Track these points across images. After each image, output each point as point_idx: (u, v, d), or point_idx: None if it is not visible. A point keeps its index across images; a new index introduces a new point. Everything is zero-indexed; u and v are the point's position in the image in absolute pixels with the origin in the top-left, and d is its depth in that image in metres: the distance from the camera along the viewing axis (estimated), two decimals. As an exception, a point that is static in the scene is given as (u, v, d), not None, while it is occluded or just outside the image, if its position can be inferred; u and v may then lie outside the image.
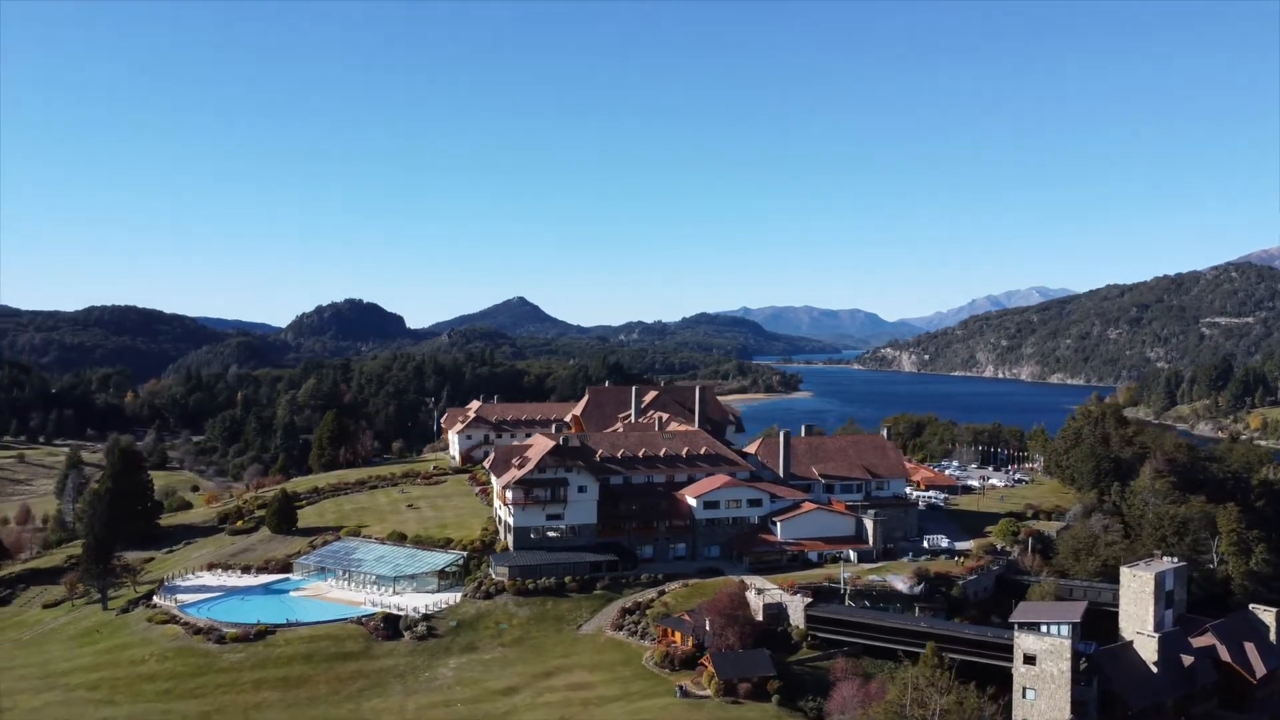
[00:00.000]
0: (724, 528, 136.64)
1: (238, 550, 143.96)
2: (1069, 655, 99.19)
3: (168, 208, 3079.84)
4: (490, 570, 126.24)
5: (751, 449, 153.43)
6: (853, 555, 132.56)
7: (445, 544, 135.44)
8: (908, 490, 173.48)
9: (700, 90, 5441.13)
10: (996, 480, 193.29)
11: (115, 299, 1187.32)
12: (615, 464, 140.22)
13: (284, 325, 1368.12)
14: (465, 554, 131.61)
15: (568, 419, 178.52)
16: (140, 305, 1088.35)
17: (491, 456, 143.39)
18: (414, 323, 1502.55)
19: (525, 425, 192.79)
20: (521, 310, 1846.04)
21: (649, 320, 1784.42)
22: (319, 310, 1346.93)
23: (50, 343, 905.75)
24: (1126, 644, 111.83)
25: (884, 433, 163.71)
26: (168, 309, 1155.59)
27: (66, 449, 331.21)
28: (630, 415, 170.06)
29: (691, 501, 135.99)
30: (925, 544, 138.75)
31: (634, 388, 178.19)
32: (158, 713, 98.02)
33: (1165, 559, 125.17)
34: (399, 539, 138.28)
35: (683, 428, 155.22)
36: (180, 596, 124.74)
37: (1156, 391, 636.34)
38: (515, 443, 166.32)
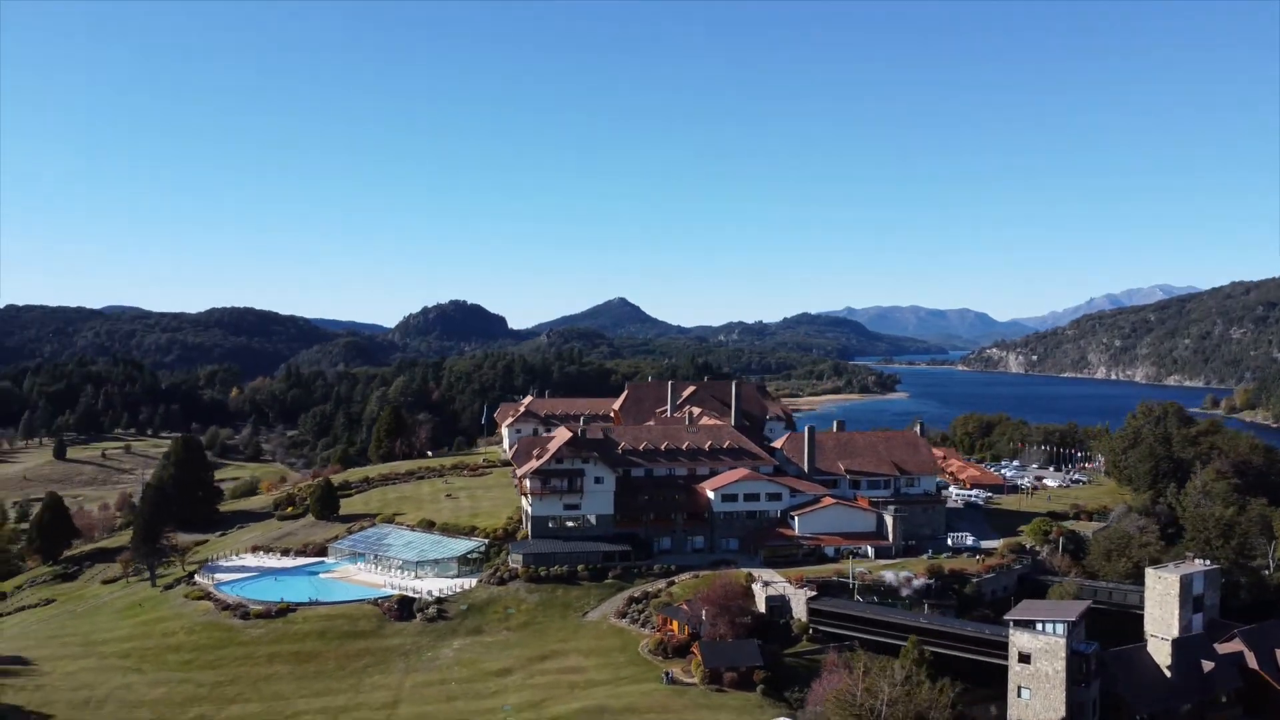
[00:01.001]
0: (741, 521, 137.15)
1: (282, 534, 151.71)
2: (1064, 654, 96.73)
3: (291, 212, 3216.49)
4: (507, 557, 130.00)
5: (778, 444, 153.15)
6: (870, 551, 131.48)
7: (470, 532, 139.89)
8: (951, 489, 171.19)
9: (802, 89, 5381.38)
10: (1051, 480, 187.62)
11: (235, 301, 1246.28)
12: (637, 456, 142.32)
13: (393, 326, 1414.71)
14: (486, 541, 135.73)
15: (609, 413, 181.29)
16: (258, 307, 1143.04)
17: (515, 447, 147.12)
18: (516, 323, 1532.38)
19: (573, 419, 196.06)
20: (622, 311, 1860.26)
21: (749, 321, 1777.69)
22: (424, 311, 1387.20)
23: (174, 342, 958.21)
24: (1139, 646, 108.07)
25: (917, 429, 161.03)
26: (284, 310, 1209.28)
27: (169, 441, 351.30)
28: (667, 410, 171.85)
29: (710, 494, 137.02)
30: (949, 542, 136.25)
31: (670, 383, 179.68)
32: (176, 680, 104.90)
33: (1197, 561, 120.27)
34: (428, 526, 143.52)
35: (712, 422, 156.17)
36: (219, 575, 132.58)
37: (1277, 394, 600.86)
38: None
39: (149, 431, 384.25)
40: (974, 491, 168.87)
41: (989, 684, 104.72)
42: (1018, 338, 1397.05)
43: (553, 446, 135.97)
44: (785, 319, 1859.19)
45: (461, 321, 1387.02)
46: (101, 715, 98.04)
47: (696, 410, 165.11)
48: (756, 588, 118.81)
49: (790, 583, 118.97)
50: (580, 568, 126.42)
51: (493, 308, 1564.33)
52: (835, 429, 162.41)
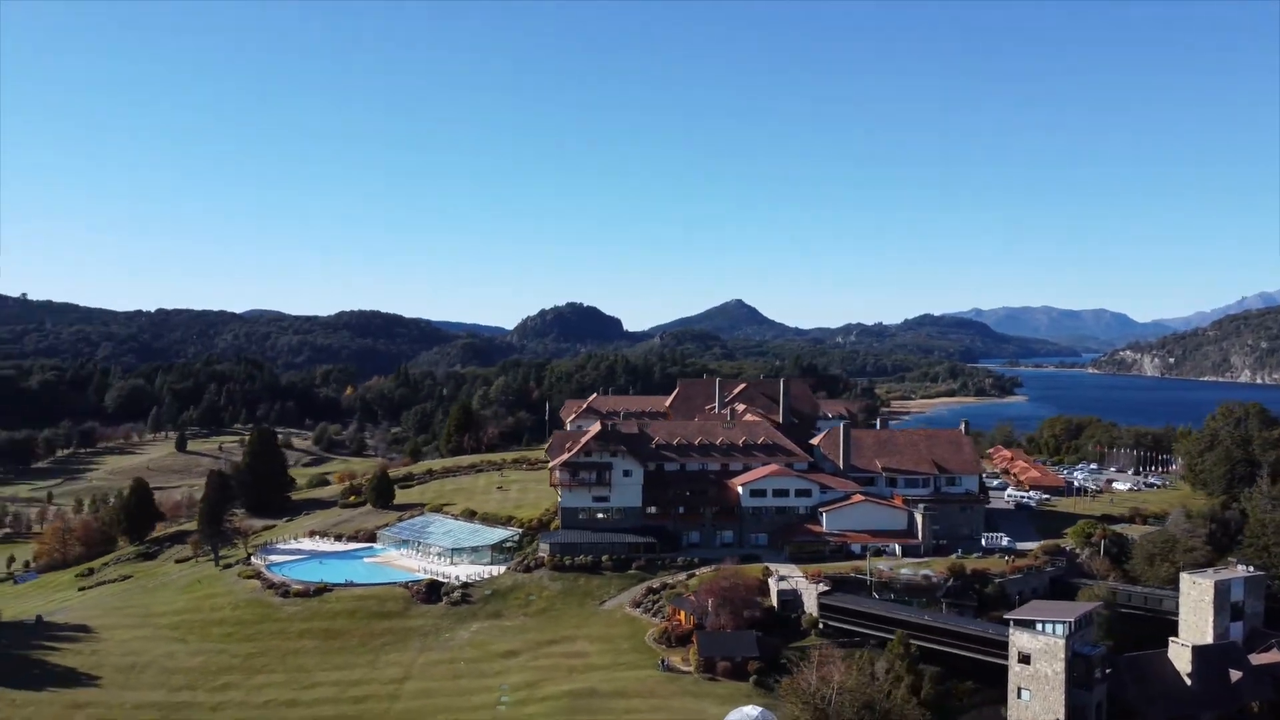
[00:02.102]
0: (771, 516, 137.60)
1: (339, 521, 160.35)
2: (1063, 655, 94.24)
3: (420, 217, 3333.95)
4: (537, 546, 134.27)
5: (816, 441, 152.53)
6: (898, 549, 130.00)
7: (506, 521, 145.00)
8: (1010, 490, 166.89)
9: (924, 86, 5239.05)
10: (1122, 483, 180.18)
11: (364, 304, 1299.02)
12: (670, 451, 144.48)
13: (513, 328, 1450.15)
14: (520, 531, 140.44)
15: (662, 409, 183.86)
16: (384, 310, 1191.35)
17: (550, 441, 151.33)
18: (632, 326, 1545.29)
19: (635, 416, 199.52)
20: (739, 313, 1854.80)
21: (869, 322, 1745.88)
22: (542, 314, 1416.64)
23: (305, 344, 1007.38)
24: (1158, 652, 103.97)
25: (961, 427, 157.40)
26: (409, 314, 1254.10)
27: (278, 436, 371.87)
28: (715, 407, 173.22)
29: (739, 489, 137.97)
30: (983, 542, 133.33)
31: (717, 380, 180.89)
32: (214, 651, 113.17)
33: (1240, 568, 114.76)
34: (469, 516, 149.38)
35: (753, 419, 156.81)
36: (272, 557, 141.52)
37: None
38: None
39: (265, 426, 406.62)
40: (1031, 493, 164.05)
41: (999, 684, 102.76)
42: (1156, 339, 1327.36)
43: (583, 440, 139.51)
44: (906, 320, 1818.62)
45: (578, 324, 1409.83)
46: (142, 679, 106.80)
47: (741, 407, 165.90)
48: (772, 581, 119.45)
49: (805, 578, 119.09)
50: (605, 558, 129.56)
51: (609, 310, 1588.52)
52: (882, 426, 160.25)
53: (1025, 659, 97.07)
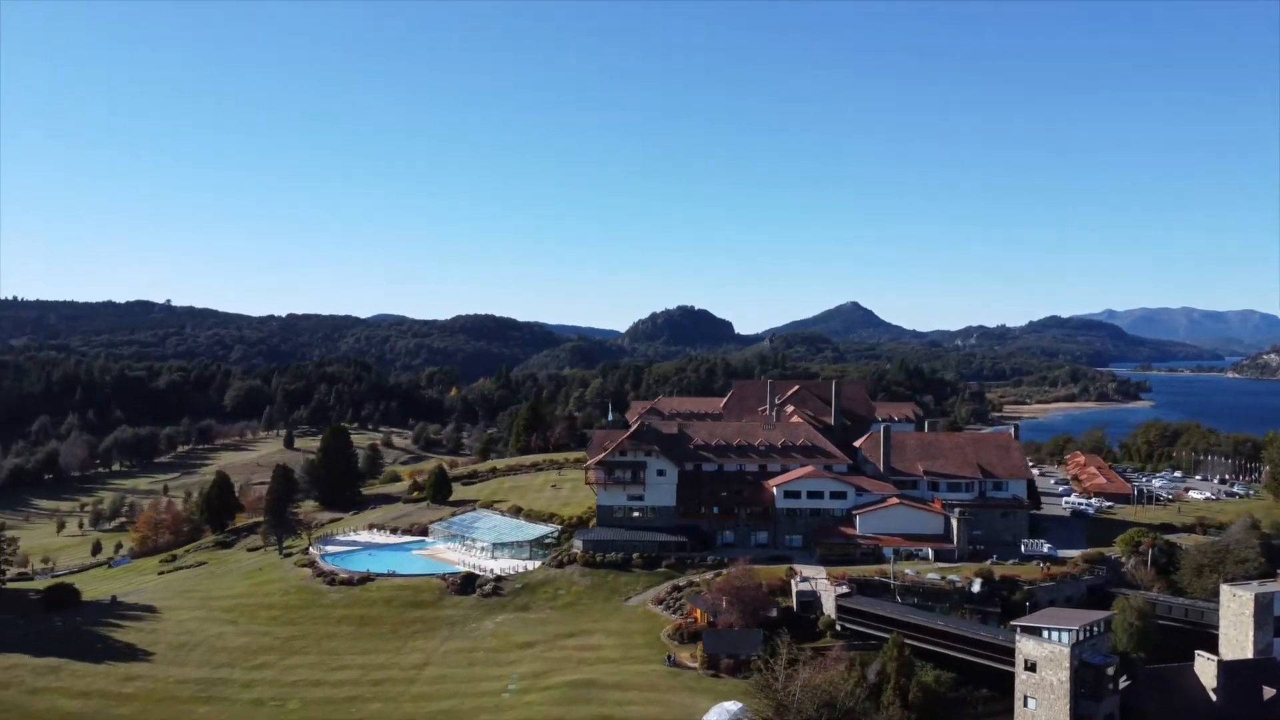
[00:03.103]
0: (805, 518, 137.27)
1: (398, 515, 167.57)
2: (1068, 664, 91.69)
3: (538, 221, 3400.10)
4: (571, 543, 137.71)
5: (859, 444, 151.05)
6: (930, 553, 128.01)
7: (548, 519, 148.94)
8: (1073, 497, 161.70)
9: (1059, 76, 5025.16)
10: (1200, 491, 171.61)
11: (482, 308, 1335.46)
12: (708, 451, 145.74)
13: (625, 331, 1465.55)
14: (560, 528, 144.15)
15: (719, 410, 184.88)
16: (498, 314, 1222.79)
17: (591, 440, 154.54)
18: (744, 328, 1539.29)
19: (695, 418, 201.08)
20: (854, 315, 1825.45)
21: (990, 325, 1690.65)
22: (653, 317, 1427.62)
23: (421, 347, 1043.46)
24: (1184, 666, 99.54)
25: (1011, 431, 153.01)
26: (523, 317, 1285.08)
27: (379, 434, 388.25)
28: (767, 408, 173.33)
29: (774, 490, 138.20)
30: (1022, 548, 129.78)
31: (769, 382, 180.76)
32: (259, 632, 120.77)
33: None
34: (515, 512, 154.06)
35: (796, 421, 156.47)
36: (328, 548, 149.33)
37: None
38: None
39: (369, 425, 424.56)
40: (1092, 500, 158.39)
41: (1005, 691, 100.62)
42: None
43: (618, 440, 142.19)
44: (1031, 322, 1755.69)
45: (688, 327, 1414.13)
46: (190, 657, 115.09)
47: (790, 409, 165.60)
48: (794, 582, 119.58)
49: (827, 579, 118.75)
50: (635, 556, 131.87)
51: (721, 313, 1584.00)
52: (926, 429, 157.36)
53: (1031, 666, 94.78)
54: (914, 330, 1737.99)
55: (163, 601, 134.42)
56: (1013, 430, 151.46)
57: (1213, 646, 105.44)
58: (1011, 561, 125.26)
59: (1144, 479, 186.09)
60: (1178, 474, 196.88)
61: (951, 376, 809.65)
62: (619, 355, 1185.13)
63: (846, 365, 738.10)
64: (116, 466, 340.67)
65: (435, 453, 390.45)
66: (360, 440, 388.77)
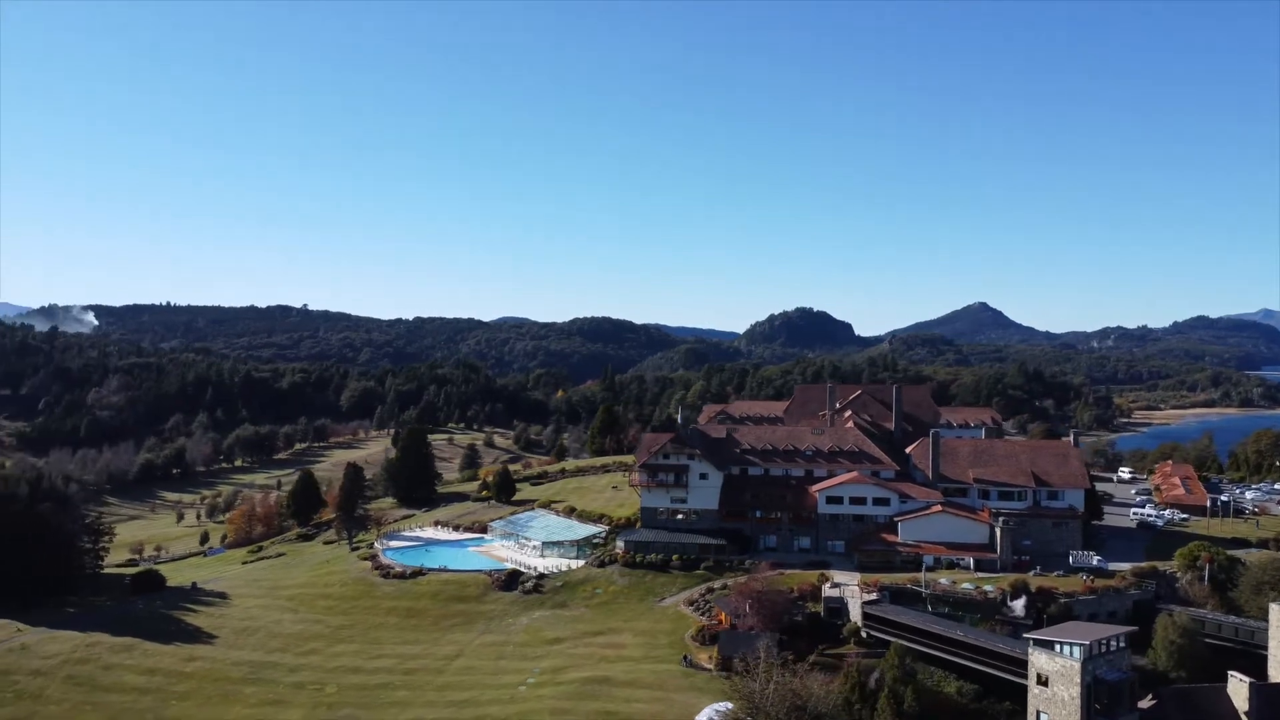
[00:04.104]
0: (848, 524, 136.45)
1: (464, 513, 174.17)
2: (1079, 679, 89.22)
3: (657, 225, 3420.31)
4: (614, 543, 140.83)
5: (910, 450, 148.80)
6: (971, 563, 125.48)
7: (598, 519, 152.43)
8: (1146, 509, 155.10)
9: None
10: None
11: (604, 311, 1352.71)
12: (754, 455, 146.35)
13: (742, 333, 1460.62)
14: (607, 529, 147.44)
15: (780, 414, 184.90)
16: (615, 316, 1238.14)
17: (640, 443, 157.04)
18: (864, 330, 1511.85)
19: (767, 421, 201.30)
20: (981, 316, 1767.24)
21: (1130, 325, 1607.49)
22: (770, 319, 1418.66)
23: (539, 349, 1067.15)
24: (1216, 686, 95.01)
25: (1070, 439, 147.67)
26: (640, 320, 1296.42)
27: (482, 434, 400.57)
28: (827, 413, 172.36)
29: (817, 496, 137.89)
30: (1070, 560, 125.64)
31: (829, 386, 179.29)
32: (313, 620, 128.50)
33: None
34: (569, 512, 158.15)
35: (847, 426, 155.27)
36: (392, 542, 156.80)
37: None
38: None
39: (475, 425, 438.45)
40: (1163, 511, 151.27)
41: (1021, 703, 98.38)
42: None
43: (662, 442, 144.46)
44: (1175, 323, 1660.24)
45: (806, 329, 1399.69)
46: (249, 641, 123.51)
47: (847, 414, 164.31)
48: (825, 588, 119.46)
49: (858, 586, 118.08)
50: (675, 557, 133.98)
51: (840, 315, 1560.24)
52: (985, 435, 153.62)
53: (1044, 681, 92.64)
54: (1046, 331, 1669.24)
55: (235, 589, 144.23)
56: (1072, 437, 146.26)
57: (1263, 668, 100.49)
58: (1056, 573, 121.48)
59: (1237, 490, 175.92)
60: (1277, 486, 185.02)
61: (1080, 380, 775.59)
62: (734, 357, 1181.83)
63: (960, 369, 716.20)
64: (238, 462, 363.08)
65: (534, 453, 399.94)
66: (463, 440, 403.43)
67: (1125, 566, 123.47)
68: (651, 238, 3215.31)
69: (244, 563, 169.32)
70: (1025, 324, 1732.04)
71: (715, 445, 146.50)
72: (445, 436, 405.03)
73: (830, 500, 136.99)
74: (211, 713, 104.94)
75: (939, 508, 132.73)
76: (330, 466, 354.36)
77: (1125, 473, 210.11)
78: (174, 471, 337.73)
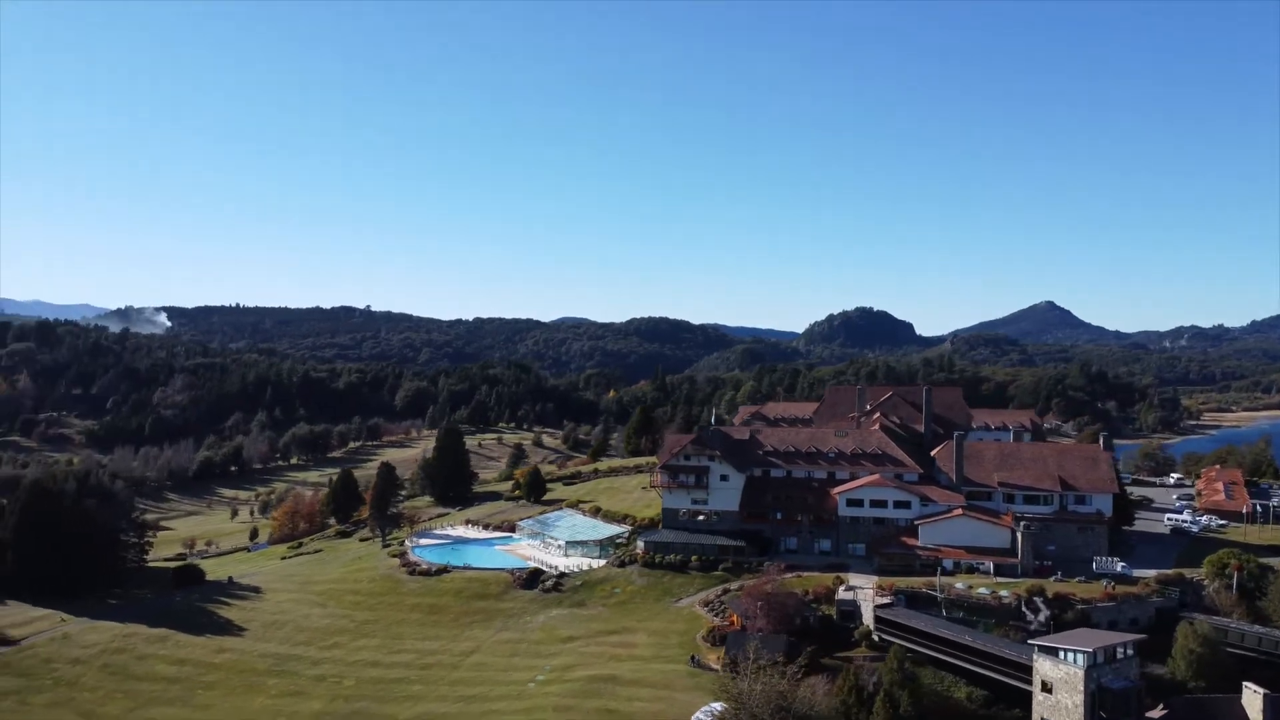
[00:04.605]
0: (869, 527, 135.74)
1: (495, 512, 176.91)
2: (1082, 687, 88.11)
3: (717, 225, 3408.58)
4: (634, 543, 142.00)
5: (935, 453, 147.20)
6: (991, 567, 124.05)
7: (622, 519, 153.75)
8: (1184, 515, 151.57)
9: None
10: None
11: (660, 311, 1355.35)
12: (777, 457, 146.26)
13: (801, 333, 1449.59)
14: (629, 529, 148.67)
15: (810, 415, 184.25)
16: (672, 316, 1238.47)
17: (664, 444, 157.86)
18: (926, 330, 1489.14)
19: (801, 423, 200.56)
20: (1048, 316, 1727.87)
21: (1206, 324, 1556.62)
22: (829, 319, 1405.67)
23: (595, 349, 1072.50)
24: (1230, 697, 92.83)
25: (1100, 442, 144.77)
26: (700, 319, 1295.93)
27: (531, 434, 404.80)
28: (856, 414, 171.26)
29: (837, 498, 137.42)
30: (1093, 566, 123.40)
31: (858, 388, 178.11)
32: (340, 615, 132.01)
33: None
34: (595, 513, 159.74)
35: (873, 428, 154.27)
36: (422, 540, 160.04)
37: None
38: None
39: (524, 425, 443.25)
40: (1200, 517, 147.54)
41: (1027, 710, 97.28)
42: None
43: (683, 443, 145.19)
44: (1254, 322, 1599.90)
45: (866, 328, 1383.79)
46: (276, 634, 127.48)
47: (875, 416, 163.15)
48: (840, 591, 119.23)
49: (872, 589, 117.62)
50: (694, 558, 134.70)
51: (901, 314, 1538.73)
52: (1014, 438, 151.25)
53: (1048, 687, 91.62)
54: (1116, 331, 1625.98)
55: (269, 584, 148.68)
56: (1102, 441, 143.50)
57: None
58: (1078, 579, 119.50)
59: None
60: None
61: (1148, 381, 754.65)
62: (792, 358, 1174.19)
63: (1020, 369, 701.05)
64: (294, 460, 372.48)
65: (582, 453, 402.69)
66: (512, 439, 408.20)
67: (1150, 573, 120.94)
68: (712, 238, 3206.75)
69: (283, 558, 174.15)
70: (1095, 323, 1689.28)
71: (737, 447, 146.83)
72: (495, 436, 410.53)
73: (851, 503, 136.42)
74: (235, 703, 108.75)
75: (959, 511, 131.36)
76: (381, 465, 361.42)
77: (1174, 477, 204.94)
78: (231, 469, 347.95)
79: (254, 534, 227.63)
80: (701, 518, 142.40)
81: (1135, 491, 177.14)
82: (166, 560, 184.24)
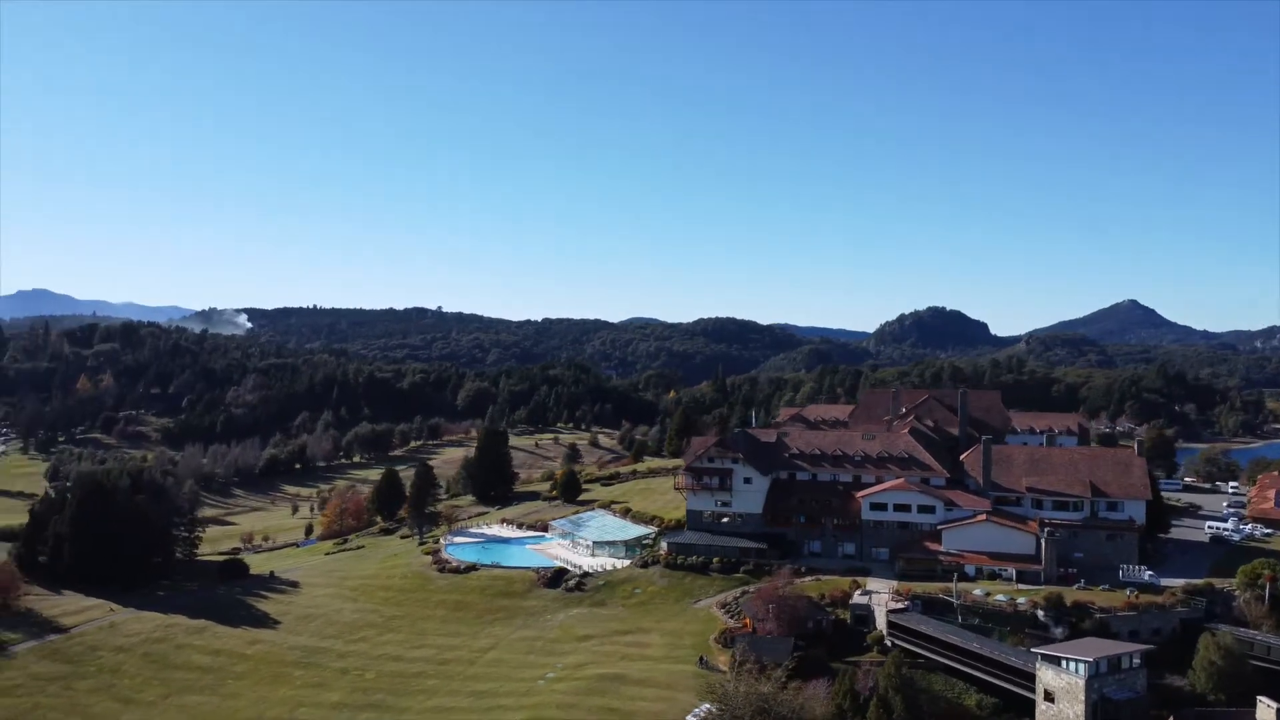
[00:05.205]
0: (893, 531, 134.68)
1: (530, 512, 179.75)
2: (1083, 697, 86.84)
3: (786, 219, 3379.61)
4: (658, 544, 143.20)
5: (964, 458, 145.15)
6: (1014, 574, 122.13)
7: (650, 520, 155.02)
8: (1228, 523, 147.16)
9: None
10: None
11: (729, 311, 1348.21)
12: (803, 460, 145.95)
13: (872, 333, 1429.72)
14: (656, 530, 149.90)
15: (846, 418, 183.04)
16: (740, 316, 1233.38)
17: (689, 446, 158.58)
18: (1001, 330, 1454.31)
19: (840, 425, 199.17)
20: (1131, 315, 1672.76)
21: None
22: (900, 319, 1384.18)
23: (661, 350, 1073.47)
24: (1244, 711, 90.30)
25: (1134, 448, 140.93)
26: (767, 319, 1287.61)
27: (588, 434, 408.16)
28: (891, 417, 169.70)
29: (861, 502, 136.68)
30: (1120, 575, 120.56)
31: (893, 391, 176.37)
32: (369, 610, 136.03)
33: None
34: (625, 513, 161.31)
35: (902, 431, 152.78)
36: (456, 539, 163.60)
37: None
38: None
39: (583, 425, 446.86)
40: (1246, 525, 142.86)
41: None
42: None
43: (706, 446, 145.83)
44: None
45: (938, 328, 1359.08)
46: (307, 627, 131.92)
47: (908, 419, 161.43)
48: (855, 595, 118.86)
49: (888, 594, 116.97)
50: (715, 560, 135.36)
51: (976, 313, 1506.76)
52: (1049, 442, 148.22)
53: (1050, 697, 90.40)
54: (1204, 331, 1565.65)
55: (308, 578, 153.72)
56: (1135, 447, 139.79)
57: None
58: (1102, 588, 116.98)
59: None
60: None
61: (1233, 383, 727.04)
62: (861, 358, 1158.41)
63: (1095, 371, 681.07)
64: (356, 458, 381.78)
65: (642, 454, 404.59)
66: (568, 439, 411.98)
67: (1179, 583, 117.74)
68: (782, 237, 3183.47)
69: (326, 554, 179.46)
70: (1181, 323, 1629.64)
71: (763, 449, 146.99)
72: (551, 436, 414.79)
73: (874, 507, 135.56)
74: (261, 692, 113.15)
75: (983, 517, 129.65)
76: (441, 464, 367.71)
77: (1233, 485, 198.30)
78: (296, 466, 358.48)
79: (309, 530, 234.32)
80: (726, 520, 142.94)
81: (1184, 498, 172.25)
82: (221, 554, 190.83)
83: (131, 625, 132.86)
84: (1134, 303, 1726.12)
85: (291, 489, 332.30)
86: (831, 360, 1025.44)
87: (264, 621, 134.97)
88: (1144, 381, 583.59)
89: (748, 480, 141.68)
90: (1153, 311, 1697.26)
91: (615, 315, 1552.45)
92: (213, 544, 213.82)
